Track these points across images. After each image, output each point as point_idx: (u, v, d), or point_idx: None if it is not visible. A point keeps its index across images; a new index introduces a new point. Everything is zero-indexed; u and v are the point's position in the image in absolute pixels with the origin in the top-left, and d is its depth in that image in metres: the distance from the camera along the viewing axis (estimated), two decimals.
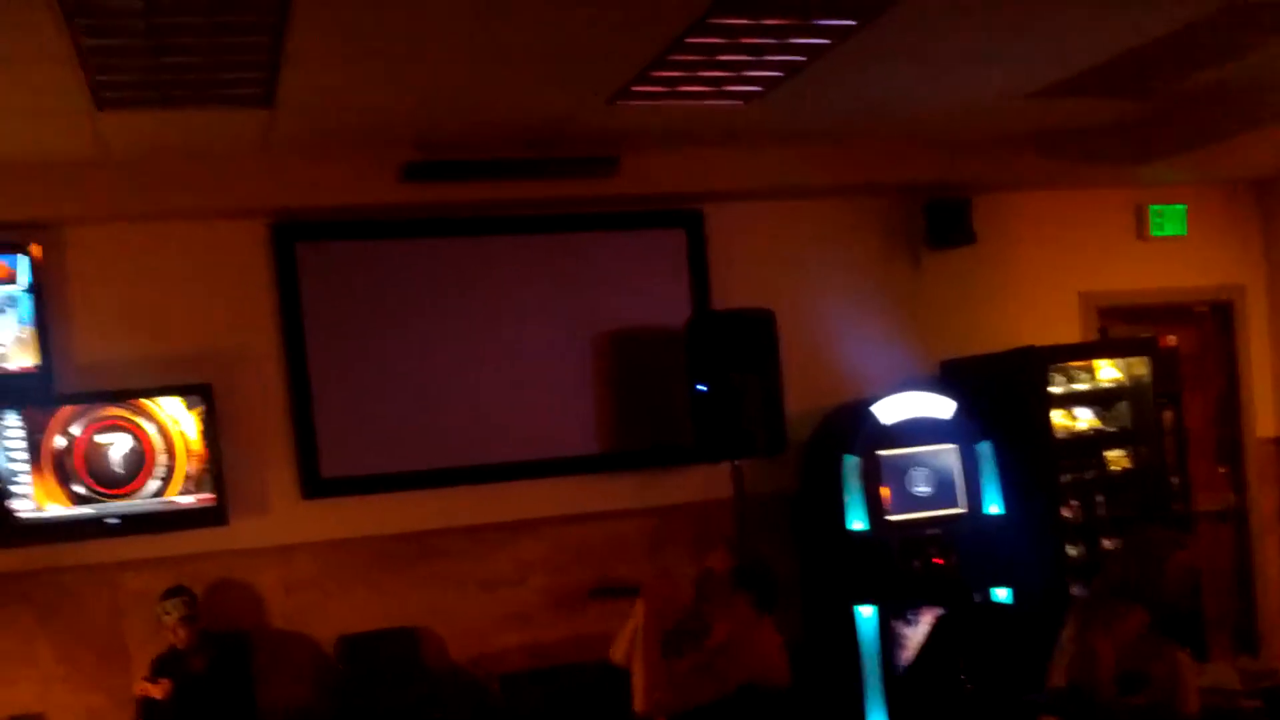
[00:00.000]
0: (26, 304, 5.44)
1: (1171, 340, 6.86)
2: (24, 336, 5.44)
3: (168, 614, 5.39)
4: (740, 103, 5.39)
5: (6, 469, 5.40)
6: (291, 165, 5.72)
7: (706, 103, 5.36)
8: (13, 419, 5.41)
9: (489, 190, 5.95)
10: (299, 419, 5.95)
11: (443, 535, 6.12)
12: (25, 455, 5.41)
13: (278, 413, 5.95)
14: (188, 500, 5.59)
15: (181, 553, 5.69)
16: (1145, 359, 6.72)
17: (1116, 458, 6.75)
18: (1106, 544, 6.56)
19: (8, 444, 5.41)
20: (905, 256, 6.96)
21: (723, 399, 5.90)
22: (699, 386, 5.98)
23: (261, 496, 5.90)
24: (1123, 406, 6.81)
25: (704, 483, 6.28)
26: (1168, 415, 6.78)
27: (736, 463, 6.07)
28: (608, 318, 6.43)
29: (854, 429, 6.17)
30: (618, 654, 4.45)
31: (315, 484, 5.95)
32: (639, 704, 4.17)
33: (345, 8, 3.93)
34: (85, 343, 5.71)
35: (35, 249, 5.50)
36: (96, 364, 5.68)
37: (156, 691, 5.25)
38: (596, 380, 6.40)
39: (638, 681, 4.20)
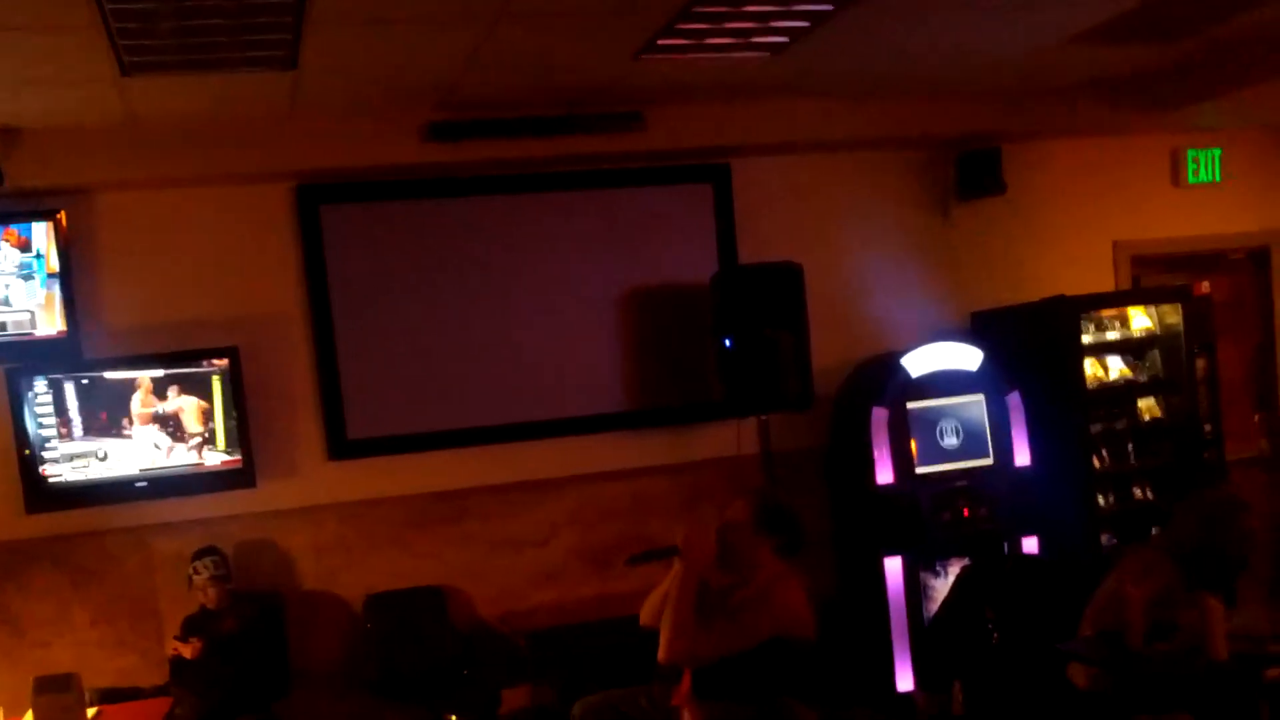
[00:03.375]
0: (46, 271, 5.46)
1: (1205, 287, 6.75)
2: (46, 303, 5.47)
3: (198, 574, 5.43)
4: (766, 54, 5.31)
5: (37, 435, 5.45)
6: (316, 127, 5.70)
7: (733, 55, 5.29)
8: (41, 385, 5.45)
9: (514, 148, 5.92)
10: (325, 381, 5.97)
11: (470, 495, 6.13)
12: (53, 420, 5.45)
13: (304, 375, 5.97)
14: (215, 462, 5.63)
15: (211, 515, 5.75)
16: (1178, 306, 6.63)
17: (1148, 407, 6.68)
18: (1137, 493, 6.53)
19: (38, 410, 5.46)
20: (935, 208, 6.88)
21: (750, 354, 5.86)
22: (726, 341, 5.94)
23: (289, 458, 5.94)
24: (1155, 355, 6.74)
25: (733, 438, 6.24)
26: (1201, 363, 6.68)
27: (764, 417, 6.05)
28: (635, 274, 6.40)
29: (882, 381, 6.12)
30: (648, 616, 4.43)
31: (342, 445, 5.98)
32: (662, 654, 4.16)
33: None
34: (113, 308, 5.73)
35: (61, 216, 5.51)
36: (124, 329, 5.71)
37: (187, 651, 5.29)
38: (624, 337, 6.38)
39: (664, 632, 4.19)
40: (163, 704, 4.95)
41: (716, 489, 6.17)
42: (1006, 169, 6.69)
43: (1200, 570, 4.55)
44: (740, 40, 5.10)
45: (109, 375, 5.54)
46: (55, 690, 4.41)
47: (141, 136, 5.52)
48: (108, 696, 5.15)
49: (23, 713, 4.57)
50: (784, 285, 5.96)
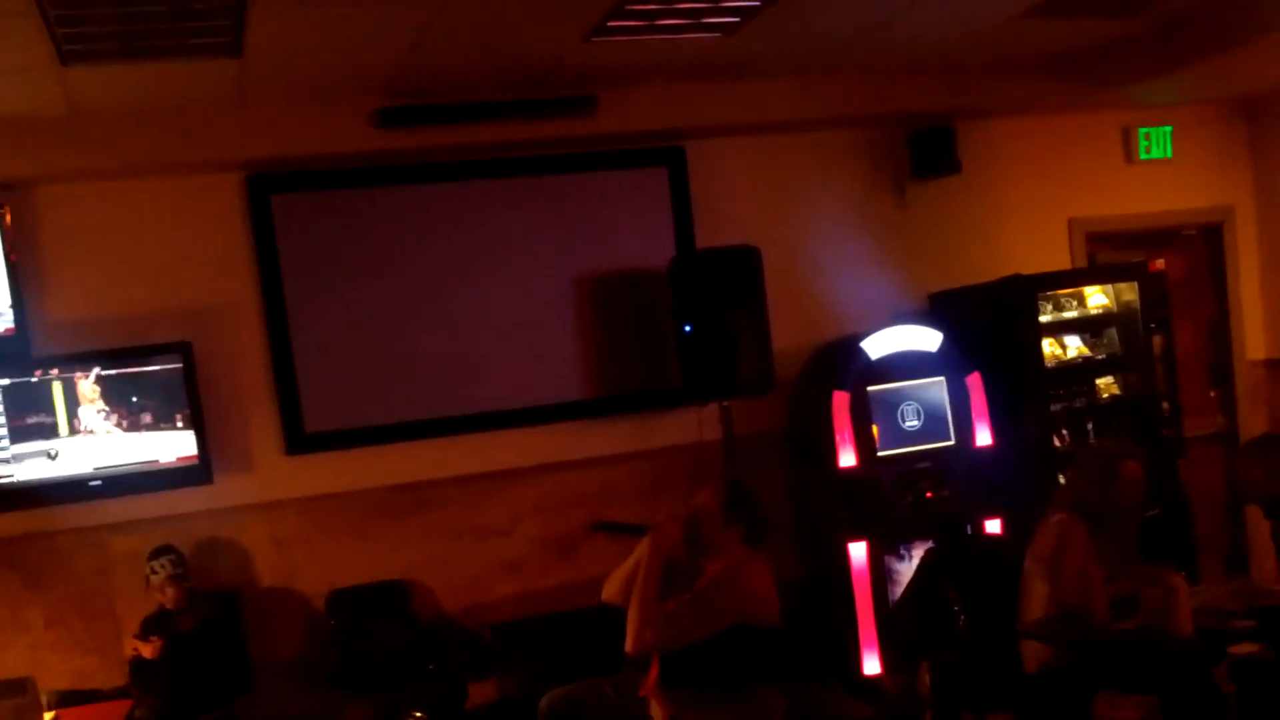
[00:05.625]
0: None
1: (1160, 264, 6.82)
2: None
3: (155, 573, 5.34)
4: (718, 34, 5.29)
5: None
6: (264, 116, 5.62)
7: (684, 36, 5.27)
8: None
9: (465, 134, 5.87)
10: (280, 374, 5.89)
11: (431, 486, 6.08)
12: (3, 420, 5.34)
13: (259, 368, 5.89)
14: (170, 459, 5.53)
15: (168, 513, 5.66)
16: (1134, 284, 6.69)
17: (1106, 385, 6.73)
18: None
19: None
20: (890, 188, 6.88)
21: (709, 339, 5.84)
22: (685, 327, 5.91)
23: (245, 454, 5.86)
24: (1112, 333, 6.79)
25: (694, 424, 6.23)
26: (1157, 340, 6.75)
27: (725, 403, 6.03)
28: (591, 260, 6.36)
29: (843, 365, 6.12)
30: (609, 592, 4.41)
31: (299, 439, 5.90)
32: (630, 645, 4.14)
33: None
34: (62, 304, 5.62)
35: (5, 211, 5.39)
36: (74, 324, 5.60)
37: (147, 650, 5.21)
38: (582, 324, 6.34)
39: (631, 622, 4.17)
40: (122, 705, 4.90)
41: (680, 476, 6.16)
42: (960, 148, 6.71)
43: (1102, 522, 4.59)
44: (691, 20, 5.08)
45: (59, 373, 5.42)
46: (10, 694, 4.35)
47: (86, 127, 5.42)
48: (66, 699, 5.08)
49: None
50: (742, 269, 5.94)
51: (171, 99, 5.36)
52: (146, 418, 5.52)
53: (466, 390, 6.11)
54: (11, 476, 5.36)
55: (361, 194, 6.03)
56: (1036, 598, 4.63)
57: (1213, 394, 7.65)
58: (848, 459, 6.00)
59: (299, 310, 5.91)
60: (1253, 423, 7.48)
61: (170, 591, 5.35)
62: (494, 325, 6.18)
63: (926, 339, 6.20)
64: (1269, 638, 4.58)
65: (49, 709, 4.76)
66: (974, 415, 6.21)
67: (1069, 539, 4.51)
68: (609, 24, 4.94)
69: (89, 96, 5.15)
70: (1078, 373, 6.66)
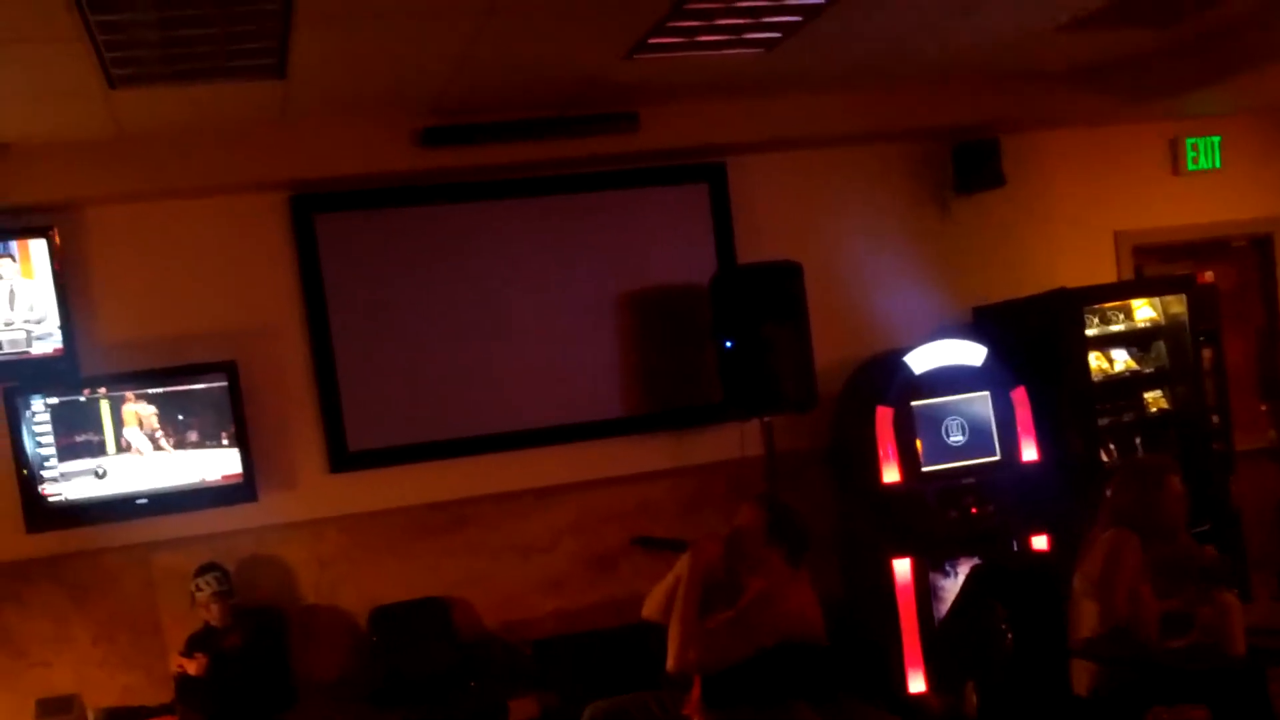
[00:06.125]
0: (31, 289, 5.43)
1: (1209, 276, 6.71)
2: (40, 321, 5.43)
3: (200, 591, 5.39)
4: (759, 50, 5.27)
5: (36, 454, 5.40)
6: (308, 136, 5.66)
7: (725, 52, 5.25)
8: (39, 404, 5.40)
9: (508, 153, 5.89)
10: (324, 392, 5.93)
11: (472, 504, 6.09)
12: (51, 439, 5.40)
13: (302, 387, 5.92)
14: (215, 477, 5.58)
15: (213, 531, 5.70)
16: (1182, 297, 6.59)
17: (1154, 399, 6.63)
18: None
19: (37, 429, 5.41)
20: (934, 202, 6.84)
21: (751, 354, 5.82)
22: (726, 343, 5.89)
23: (290, 472, 5.89)
24: (1160, 346, 6.69)
25: (735, 441, 6.20)
26: (1206, 353, 6.64)
27: (767, 419, 5.99)
28: (632, 277, 6.36)
29: (886, 380, 6.08)
30: (650, 609, 4.39)
31: (343, 457, 5.93)
32: (672, 663, 4.11)
33: None
34: (109, 324, 5.69)
35: (54, 232, 5.47)
36: (121, 344, 5.66)
37: (192, 668, 5.26)
38: (623, 341, 6.33)
39: (673, 641, 4.15)
40: None
41: (720, 493, 6.15)
42: (1005, 161, 6.64)
43: (1144, 536, 4.52)
44: (732, 36, 5.06)
45: (106, 392, 5.48)
46: (57, 712, 4.41)
47: (132, 149, 5.48)
48: (112, 716, 5.13)
49: None
50: (783, 284, 5.92)
51: (216, 120, 5.42)
52: (193, 436, 5.57)
53: (507, 407, 6.12)
54: (60, 495, 5.43)
55: (404, 213, 6.07)
56: (1086, 616, 4.56)
57: (1264, 407, 7.52)
58: (891, 474, 5.95)
59: (342, 329, 5.95)
60: None
61: (215, 609, 5.39)
62: (535, 342, 6.19)
63: (971, 353, 6.14)
64: None
65: None
66: (1019, 430, 6.13)
67: (1120, 556, 4.45)
68: (650, 40, 4.94)
69: (135, 119, 5.22)
70: (1125, 387, 6.57)
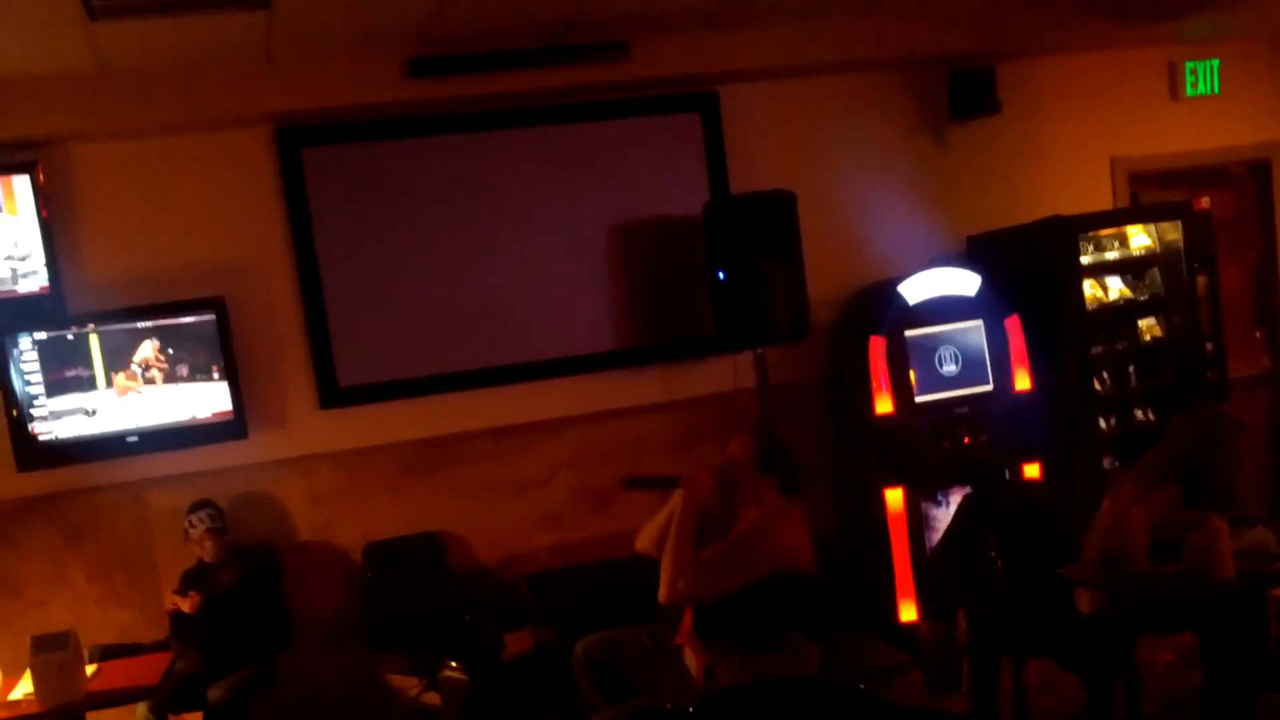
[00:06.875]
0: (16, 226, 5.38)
1: (1205, 203, 6.64)
2: (25, 258, 5.38)
3: (193, 527, 5.40)
4: None
5: (25, 393, 5.38)
6: (294, 68, 5.59)
7: None
8: (26, 342, 5.37)
9: (497, 83, 5.81)
10: (313, 328, 5.90)
11: (465, 439, 6.08)
12: (40, 378, 5.38)
13: (291, 323, 5.90)
14: (206, 414, 5.56)
15: (205, 469, 5.70)
16: (1177, 224, 6.52)
17: (1149, 327, 6.60)
18: (1139, 415, 6.47)
19: (25, 368, 5.38)
20: (929, 130, 6.76)
21: (743, 286, 5.77)
22: (719, 274, 5.85)
23: (280, 409, 5.89)
24: (1155, 274, 6.64)
25: (729, 373, 6.18)
26: (1201, 281, 6.60)
27: (760, 351, 5.97)
28: (624, 208, 6.30)
29: (879, 310, 6.04)
30: (644, 543, 4.40)
31: (333, 393, 5.92)
32: (663, 594, 4.12)
33: None
34: (96, 261, 5.65)
35: (38, 168, 5.41)
36: (108, 281, 5.62)
37: (186, 605, 5.27)
38: (615, 273, 6.29)
39: (665, 572, 4.15)
40: (163, 658, 4.93)
41: (714, 425, 6.14)
42: (1000, 88, 6.58)
43: (1198, 483, 4.52)
44: None
45: (94, 330, 5.45)
46: (53, 649, 4.38)
47: (115, 84, 5.40)
48: (107, 653, 5.13)
49: (21, 672, 4.55)
50: (776, 215, 5.85)
51: (200, 53, 5.34)
52: (183, 370, 5.56)
53: (499, 342, 6.09)
54: (51, 434, 5.42)
55: (392, 146, 6.00)
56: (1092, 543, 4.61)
57: (1258, 335, 7.50)
58: (884, 405, 5.93)
59: (331, 263, 5.91)
60: None
61: (209, 545, 5.40)
62: (526, 275, 6.15)
63: (965, 282, 6.10)
64: None
65: (91, 662, 4.80)
66: (1013, 359, 6.11)
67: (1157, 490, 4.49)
68: None
69: (117, 52, 5.14)
70: (1119, 315, 6.54)
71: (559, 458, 6.21)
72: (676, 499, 4.25)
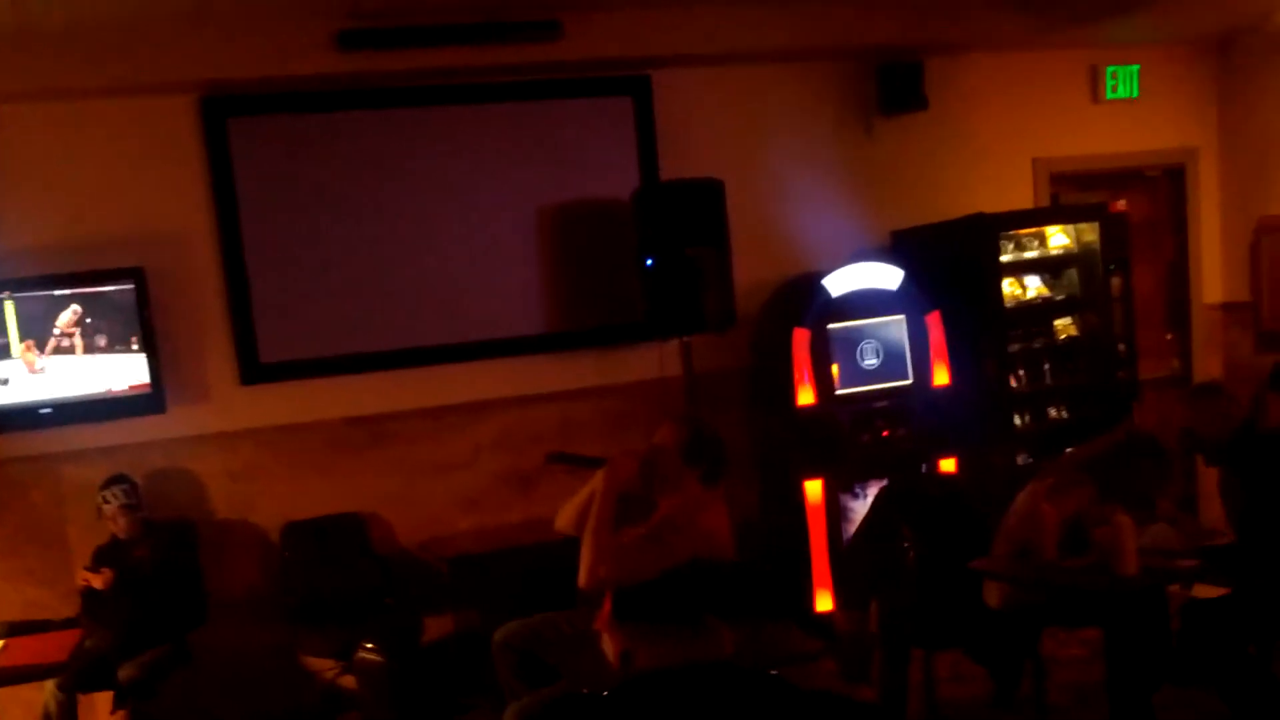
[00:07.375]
0: None
1: (1121, 205, 6.81)
2: None
3: (107, 503, 5.29)
4: None
5: None
6: (221, 36, 5.47)
7: None
8: None
9: (428, 58, 5.76)
10: (235, 302, 5.80)
11: (391, 419, 6.04)
12: None
13: (213, 296, 5.80)
14: (122, 387, 5.46)
15: (121, 442, 5.60)
16: (1095, 225, 6.68)
17: (1064, 325, 6.75)
18: (1052, 413, 6.62)
19: None
20: (857, 124, 6.82)
21: (672, 273, 5.78)
22: (647, 261, 5.86)
23: (200, 383, 5.79)
24: (1072, 274, 6.79)
25: (657, 360, 6.22)
26: (1116, 282, 6.77)
27: (687, 339, 6.00)
28: (556, 189, 6.27)
29: (804, 302, 6.10)
30: (563, 522, 4.42)
31: (255, 369, 5.83)
32: (583, 579, 4.14)
33: None
34: (11, 228, 5.48)
35: None
36: (24, 249, 5.47)
37: (98, 581, 5.18)
38: (545, 255, 6.27)
39: (585, 557, 4.17)
40: (73, 636, 4.85)
41: (643, 411, 6.15)
42: (928, 84, 6.66)
43: (1114, 481, 4.66)
44: None
45: (9, 297, 5.32)
46: None
47: (34, 46, 5.24)
48: (15, 629, 5.02)
49: None
50: (705, 202, 5.87)
51: (125, 17, 5.20)
52: (100, 341, 5.44)
53: (427, 321, 6.05)
54: None
55: (321, 119, 5.91)
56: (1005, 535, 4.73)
57: (1169, 337, 7.70)
58: (806, 397, 6.00)
59: (255, 237, 5.81)
60: (1208, 366, 7.55)
61: (123, 521, 5.30)
62: (455, 255, 6.10)
63: (888, 277, 6.18)
64: (1210, 577, 4.67)
65: None
66: (932, 354, 6.22)
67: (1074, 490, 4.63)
68: None
69: (37, 13, 4.99)
70: (1036, 313, 6.67)
71: (485, 440, 6.19)
72: (598, 480, 4.26)
